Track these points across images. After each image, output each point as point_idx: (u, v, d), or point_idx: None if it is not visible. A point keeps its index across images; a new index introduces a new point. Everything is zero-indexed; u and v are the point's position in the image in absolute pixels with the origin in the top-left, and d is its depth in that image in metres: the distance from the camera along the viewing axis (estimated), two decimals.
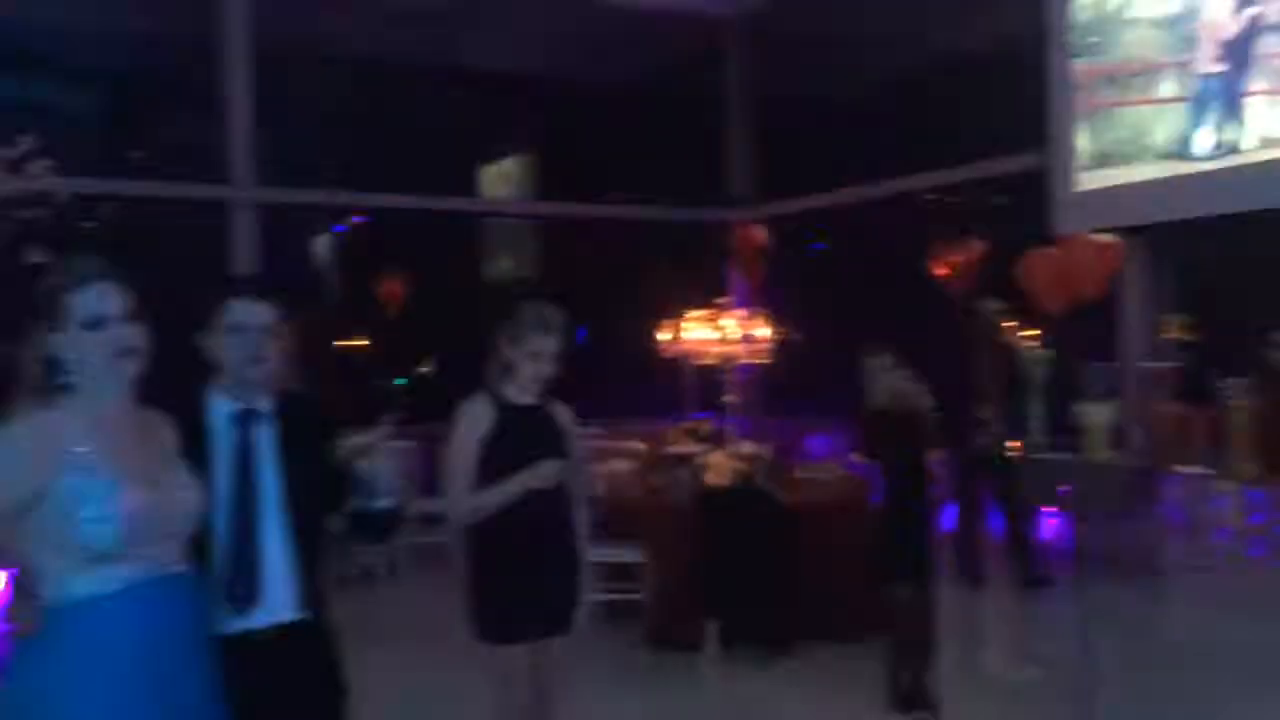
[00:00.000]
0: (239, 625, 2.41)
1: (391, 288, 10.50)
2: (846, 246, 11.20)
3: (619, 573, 5.94)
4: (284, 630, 2.48)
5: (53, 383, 2.16)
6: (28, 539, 2.11)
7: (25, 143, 5.45)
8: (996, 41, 8.94)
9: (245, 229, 8.81)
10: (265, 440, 2.52)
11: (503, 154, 12.63)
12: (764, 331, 7.32)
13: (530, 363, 3.34)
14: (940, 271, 8.35)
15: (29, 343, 2.17)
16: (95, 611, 2.11)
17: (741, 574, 5.67)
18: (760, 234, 9.86)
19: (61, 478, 2.08)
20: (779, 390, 9.99)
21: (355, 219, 11.59)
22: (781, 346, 7.71)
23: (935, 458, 4.88)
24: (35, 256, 5.99)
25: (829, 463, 6.68)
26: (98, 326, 2.16)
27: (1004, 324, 7.00)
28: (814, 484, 6.30)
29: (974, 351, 6.95)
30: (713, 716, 4.99)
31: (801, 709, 4.97)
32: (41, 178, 5.53)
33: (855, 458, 5.97)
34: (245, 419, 2.52)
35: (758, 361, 7.53)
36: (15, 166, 5.38)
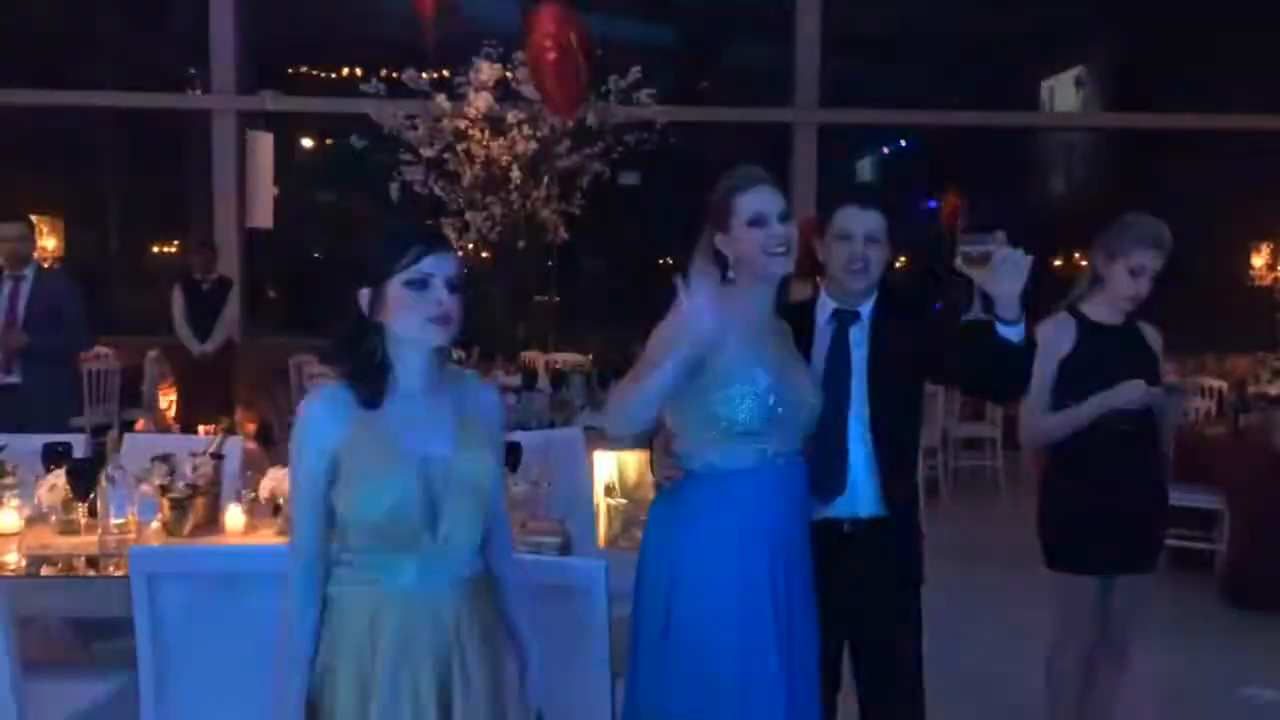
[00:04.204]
0: (823, 513, 2.57)
1: (951, 205, 10.29)
2: None
3: (1190, 518, 5.46)
4: (864, 524, 2.61)
5: (719, 276, 2.40)
6: (680, 407, 2.38)
7: (634, 74, 6.06)
8: None
9: (805, 149, 9.17)
10: (860, 342, 2.63)
11: (1068, 64, 11.79)
12: None
13: (1130, 279, 3.13)
14: None
15: (703, 239, 2.43)
16: (728, 482, 2.35)
17: None
18: None
19: (719, 353, 2.32)
20: None
21: (905, 138, 11.54)
22: None
23: None
24: (629, 179, 6.71)
25: None
26: (758, 224, 2.37)
27: None
28: None
29: None
30: None
31: None
32: (646, 106, 6.13)
33: None
34: (842, 320, 2.65)
35: None
36: (626, 95, 6.00)
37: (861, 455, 2.60)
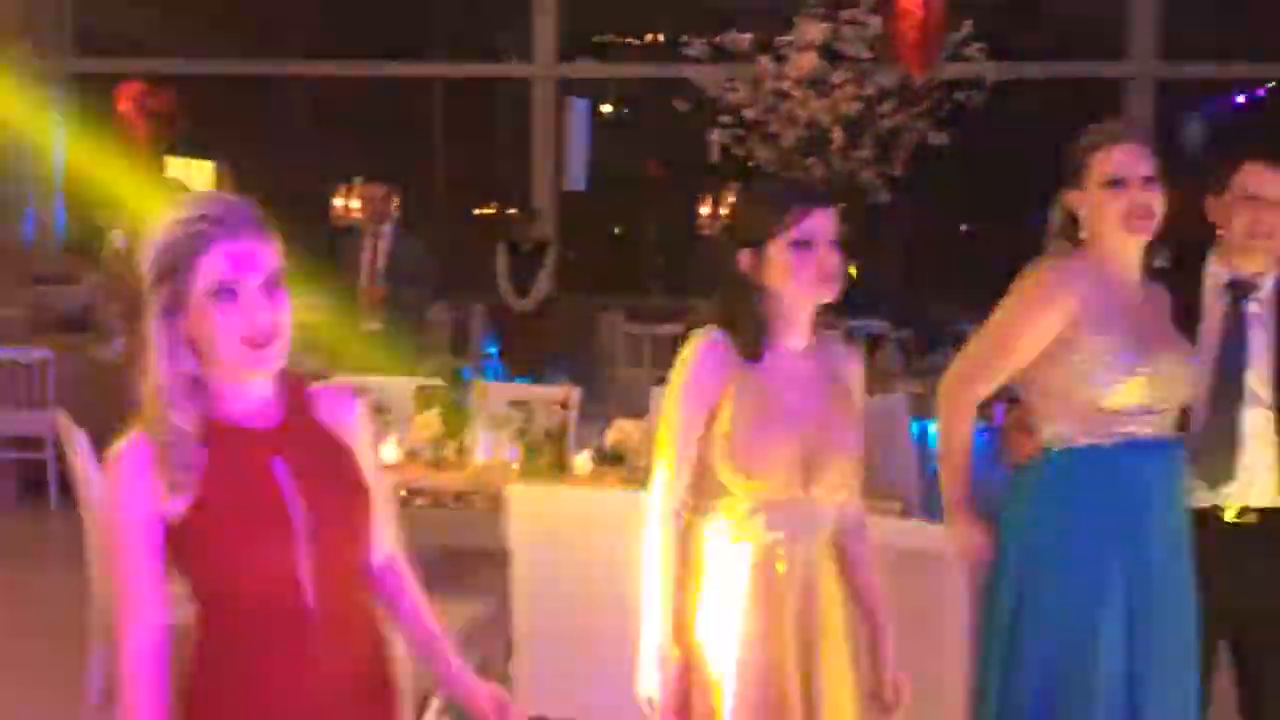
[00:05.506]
0: (1208, 500, 2.39)
1: None
2: None
3: None
4: (1257, 513, 2.40)
5: (1072, 238, 2.30)
6: (1036, 381, 2.30)
7: (965, 28, 5.83)
8: None
9: (1140, 106, 8.52)
10: (1259, 316, 2.43)
11: None
12: None
13: None
14: None
15: (1057, 198, 2.32)
16: (1091, 460, 2.24)
17: None
18: None
19: (1077, 328, 2.22)
20: None
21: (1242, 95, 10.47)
22: None
23: None
24: (939, 140, 6.46)
25: None
26: (1116, 186, 2.22)
27: None
28: None
29: None
30: None
31: None
32: (976, 61, 5.90)
33: None
34: (1238, 291, 2.45)
35: None
36: (955, 51, 5.79)
37: (1257, 438, 2.39)
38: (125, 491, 1.55)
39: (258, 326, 1.52)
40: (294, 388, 1.66)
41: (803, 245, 1.97)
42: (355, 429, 1.70)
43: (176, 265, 1.52)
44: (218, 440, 1.57)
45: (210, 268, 1.52)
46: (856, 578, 2.12)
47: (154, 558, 1.56)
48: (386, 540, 1.76)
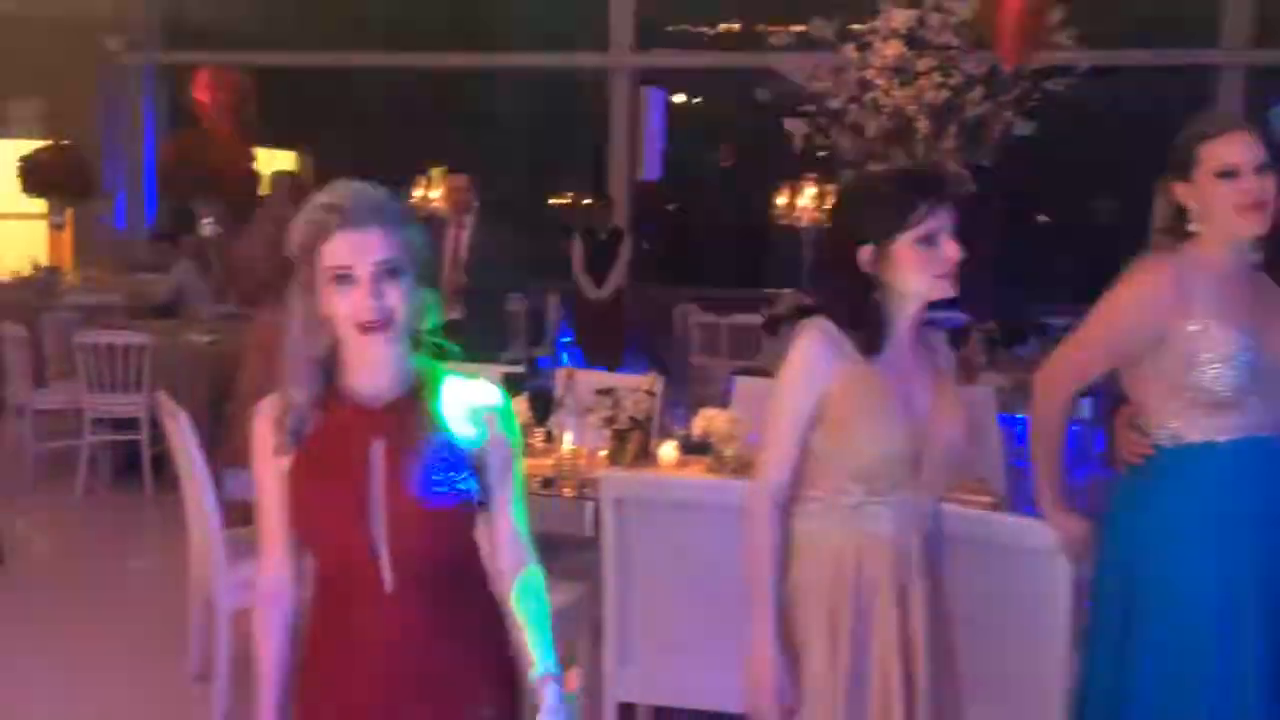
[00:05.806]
0: None
1: None
2: None
3: None
4: None
5: (1180, 231, 2.24)
6: (1145, 379, 2.24)
7: (1058, 13, 5.68)
8: None
9: (1232, 93, 8.29)
10: None
11: None
12: None
13: None
14: None
15: (1161, 190, 2.26)
16: (1205, 457, 2.18)
17: None
18: None
19: (1186, 322, 2.17)
20: None
21: None
22: None
23: None
24: (1025, 130, 6.31)
25: None
26: (1228, 176, 2.16)
27: None
28: None
29: None
30: None
31: None
32: (1067, 48, 5.76)
33: None
34: None
35: None
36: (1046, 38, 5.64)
37: None
38: (256, 452, 1.71)
39: (367, 312, 1.60)
40: (425, 374, 1.70)
41: (927, 241, 1.94)
42: (487, 421, 1.72)
43: (307, 248, 1.64)
44: (331, 410, 1.67)
45: (331, 253, 1.62)
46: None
47: (278, 513, 1.71)
48: (511, 531, 1.76)
